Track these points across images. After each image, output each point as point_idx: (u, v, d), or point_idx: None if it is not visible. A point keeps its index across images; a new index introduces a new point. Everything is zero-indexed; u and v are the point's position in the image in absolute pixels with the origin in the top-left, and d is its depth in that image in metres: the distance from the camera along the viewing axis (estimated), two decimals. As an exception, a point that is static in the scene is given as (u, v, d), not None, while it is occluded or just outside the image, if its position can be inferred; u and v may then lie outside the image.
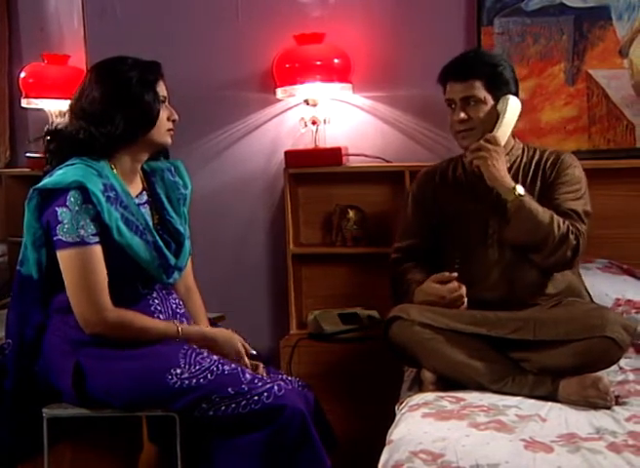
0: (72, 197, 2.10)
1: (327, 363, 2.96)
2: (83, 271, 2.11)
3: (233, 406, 2.06)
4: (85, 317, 2.12)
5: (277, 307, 3.38)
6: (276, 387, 2.10)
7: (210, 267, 3.20)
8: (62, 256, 2.12)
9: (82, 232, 2.10)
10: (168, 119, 2.27)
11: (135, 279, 2.22)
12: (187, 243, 2.34)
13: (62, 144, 2.22)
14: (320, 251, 3.29)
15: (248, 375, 2.12)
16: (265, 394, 2.07)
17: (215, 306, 2.76)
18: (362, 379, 2.89)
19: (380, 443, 1.96)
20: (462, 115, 2.49)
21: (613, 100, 3.06)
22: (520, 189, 2.38)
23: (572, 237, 2.38)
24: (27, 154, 3.58)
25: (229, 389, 2.07)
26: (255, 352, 2.28)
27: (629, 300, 2.69)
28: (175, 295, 2.35)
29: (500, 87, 2.50)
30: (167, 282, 2.28)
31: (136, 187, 2.30)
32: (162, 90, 2.27)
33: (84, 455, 2.50)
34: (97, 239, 2.12)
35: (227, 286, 3.37)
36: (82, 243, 2.10)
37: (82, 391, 2.14)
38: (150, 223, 2.25)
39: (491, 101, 2.49)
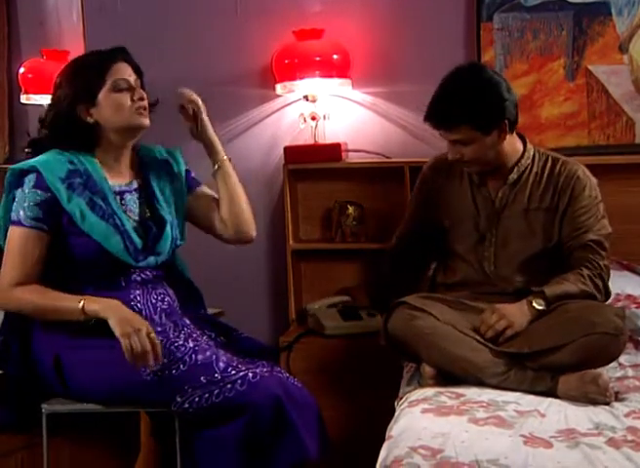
0: (28, 180, 2.18)
1: (326, 358, 2.95)
2: (12, 249, 2.17)
3: (206, 395, 2.06)
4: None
5: (276, 303, 3.39)
6: (250, 374, 2.09)
7: (209, 263, 3.20)
8: (8, 233, 2.20)
9: (22, 213, 2.16)
10: (132, 100, 2.24)
11: (109, 267, 2.22)
12: (168, 229, 2.31)
13: (43, 138, 2.31)
14: (319, 246, 3.29)
15: (222, 364, 2.12)
16: (239, 381, 2.07)
17: (214, 302, 2.75)
18: (361, 375, 2.89)
19: (379, 438, 1.96)
20: (455, 155, 2.43)
21: (613, 96, 3.06)
22: (537, 304, 2.32)
23: (599, 281, 2.37)
24: (26, 150, 3.57)
25: (202, 378, 2.07)
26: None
27: (629, 295, 2.69)
28: (159, 291, 2.33)
29: (490, 121, 2.38)
30: (136, 265, 2.25)
31: (123, 175, 2.32)
32: (119, 73, 2.24)
33: (83, 451, 2.50)
34: (36, 224, 2.16)
35: (227, 281, 3.37)
36: (19, 223, 2.16)
37: (64, 385, 2.17)
38: (128, 209, 2.27)
39: (481, 137, 2.38)
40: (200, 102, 2.37)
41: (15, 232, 2.17)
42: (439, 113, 2.40)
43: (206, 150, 2.42)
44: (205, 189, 2.45)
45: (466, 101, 2.37)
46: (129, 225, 2.24)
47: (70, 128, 2.24)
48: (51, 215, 2.17)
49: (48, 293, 2.16)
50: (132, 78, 2.26)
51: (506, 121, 2.39)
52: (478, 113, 2.37)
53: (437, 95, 2.42)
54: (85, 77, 2.24)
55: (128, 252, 2.22)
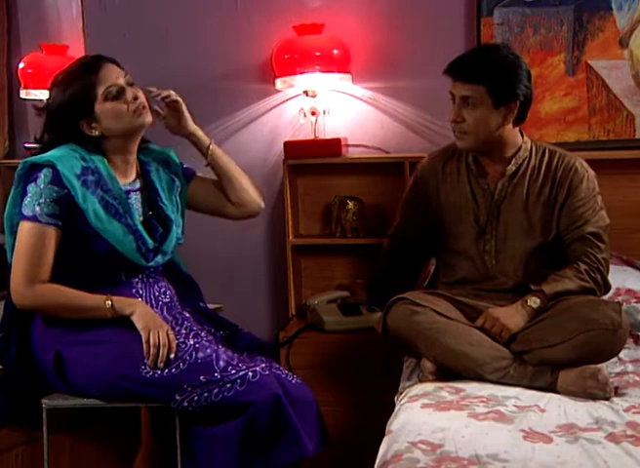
0: (43, 175, 2.14)
1: (326, 353, 2.95)
2: (28, 245, 2.13)
3: (206, 394, 2.05)
4: (16, 288, 2.15)
5: (276, 298, 3.39)
6: (250, 373, 2.09)
7: (209, 258, 3.21)
8: (19, 228, 2.16)
9: (37, 209, 2.12)
10: (128, 103, 2.19)
11: (115, 264, 2.21)
12: (175, 229, 2.32)
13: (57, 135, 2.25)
14: (319, 242, 3.29)
15: (222, 363, 2.11)
16: (239, 381, 2.07)
17: (214, 297, 2.76)
18: (361, 370, 2.89)
19: (379, 433, 1.96)
20: (456, 116, 2.42)
21: (613, 91, 3.05)
22: (533, 302, 2.34)
23: (597, 275, 2.39)
24: (26, 145, 3.58)
25: (201, 377, 2.07)
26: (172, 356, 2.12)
27: (630, 290, 2.70)
28: (161, 284, 2.34)
29: (504, 93, 2.38)
30: (146, 265, 2.26)
31: (129, 175, 2.30)
32: (106, 80, 2.19)
33: (83, 446, 2.51)
34: (52, 220, 2.13)
35: (227, 277, 3.37)
36: (34, 219, 2.12)
37: (65, 381, 2.17)
38: (134, 208, 2.26)
39: (490, 106, 2.38)
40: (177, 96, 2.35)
41: (28, 227, 2.13)
42: (464, 63, 2.42)
43: (191, 142, 2.41)
44: (201, 175, 2.47)
45: (494, 63, 2.40)
46: (140, 225, 2.23)
47: (77, 140, 2.21)
48: (66, 212, 2.14)
49: (68, 292, 2.15)
50: (120, 79, 2.21)
51: (517, 103, 2.39)
52: (500, 79, 2.38)
53: (469, 50, 2.50)
54: (76, 92, 2.18)
55: (140, 252, 2.22)
